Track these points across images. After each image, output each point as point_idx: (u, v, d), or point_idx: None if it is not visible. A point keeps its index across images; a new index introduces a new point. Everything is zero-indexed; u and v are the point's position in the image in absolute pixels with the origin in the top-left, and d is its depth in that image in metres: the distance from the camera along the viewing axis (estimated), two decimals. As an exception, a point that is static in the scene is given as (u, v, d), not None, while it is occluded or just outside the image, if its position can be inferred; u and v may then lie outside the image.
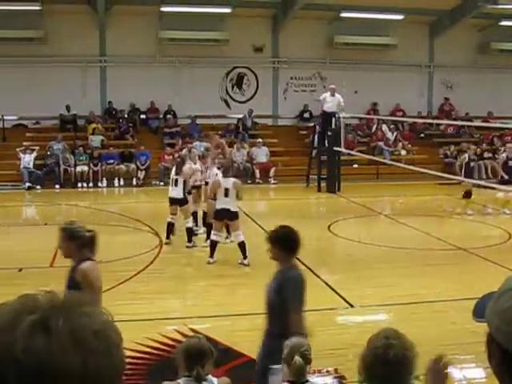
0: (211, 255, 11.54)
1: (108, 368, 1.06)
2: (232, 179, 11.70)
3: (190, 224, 12.92)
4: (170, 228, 12.94)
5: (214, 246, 11.57)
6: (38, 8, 22.61)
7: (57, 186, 21.32)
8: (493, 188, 18.72)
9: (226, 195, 11.42)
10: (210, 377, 4.64)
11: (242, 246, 11.42)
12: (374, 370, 3.40)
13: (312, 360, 4.61)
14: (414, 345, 3.55)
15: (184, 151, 14.99)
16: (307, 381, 4.54)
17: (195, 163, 13.69)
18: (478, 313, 1.50)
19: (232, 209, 11.45)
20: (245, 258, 11.38)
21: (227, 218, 11.53)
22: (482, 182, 18.18)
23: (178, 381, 4.56)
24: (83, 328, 1.05)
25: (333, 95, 20.79)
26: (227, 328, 8.39)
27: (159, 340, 7.14)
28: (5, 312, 1.06)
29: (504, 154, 21.55)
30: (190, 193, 13.29)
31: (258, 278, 10.58)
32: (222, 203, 11.43)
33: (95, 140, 23.22)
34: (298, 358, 4.46)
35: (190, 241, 12.78)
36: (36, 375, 0.98)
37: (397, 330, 3.74)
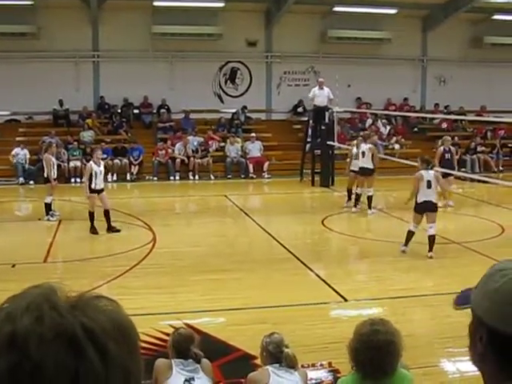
0: (406, 243, 11.75)
1: (139, 356, 1.10)
2: (432, 171, 11.90)
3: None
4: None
5: (410, 236, 11.72)
6: (30, 3, 22.55)
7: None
8: (485, 182, 18.73)
9: (429, 187, 11.60)
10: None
11: (431, 238, 11.58)
12: (360, 356, 3.45)
13: None
14: (399, 331, 3.57)
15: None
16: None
17: None
18: (460, 300, 1.50)
19: (434, 200, 11.64)
20: (430, 250, 11.54)
21: (429, 209, 11.64)
22: (476, 176, 18.16)
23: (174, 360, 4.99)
24: (118, 313, 1.08)
25: (321, 89, 20.70)
26: (221, 322, 8.40)
27: (153, 335, 7.12)
28: (27, 296, 1.04)
29: None
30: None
31: (252, 272, 10.60)
32: (424, 195, 11.56)
33: (86, 136, 23.09)
34: (288, 350, 4.86)
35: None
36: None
37: (383, 318, 3.76)
